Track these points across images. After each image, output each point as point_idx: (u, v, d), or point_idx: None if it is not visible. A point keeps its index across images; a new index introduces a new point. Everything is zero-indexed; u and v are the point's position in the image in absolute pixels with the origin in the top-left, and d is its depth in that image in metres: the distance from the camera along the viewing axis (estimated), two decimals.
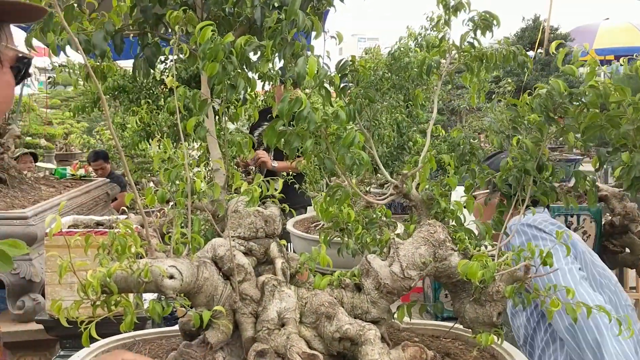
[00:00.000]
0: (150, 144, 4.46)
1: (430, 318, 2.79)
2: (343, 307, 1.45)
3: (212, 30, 1.47)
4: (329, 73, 1.59)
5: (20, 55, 1.15)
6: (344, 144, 1.50)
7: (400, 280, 1.44)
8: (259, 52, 1.60)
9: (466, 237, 1.58)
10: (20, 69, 1.16)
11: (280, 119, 1.49)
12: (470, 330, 1.62)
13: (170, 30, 1.90)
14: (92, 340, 1.34)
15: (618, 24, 12.10)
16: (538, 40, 6.74)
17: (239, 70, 1.53)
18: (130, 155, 5.03)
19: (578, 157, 6.44)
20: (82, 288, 1.21)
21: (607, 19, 12.55)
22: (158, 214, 3.07)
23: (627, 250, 2.76)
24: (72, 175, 4.77)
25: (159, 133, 4.25)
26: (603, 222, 2.77)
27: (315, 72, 1.45)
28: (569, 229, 2.67)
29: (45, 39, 1.78)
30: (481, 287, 1.46)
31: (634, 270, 3.16)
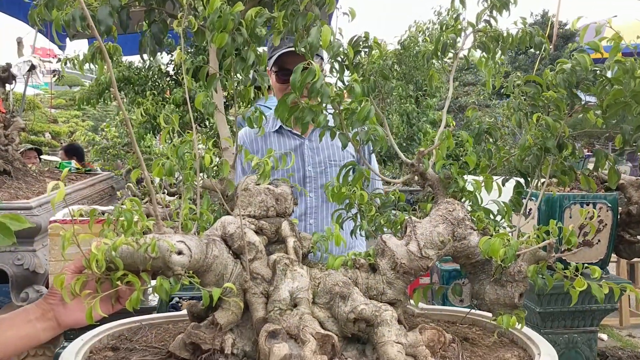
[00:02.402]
0: (155, 137, 4.43)
1: None
2: (357, 288, 1.39)
3: (221, 1, 1.42)
4: (342, 48, 1.53)
5: None
6: (359, 119, 1.45)
7: (418, 260, 1.38)
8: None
9: (486, 217, 1.52)
10: None
11: (291, 93, 1.43)
12: (488, 315, 1.56)
13: (177, 6, 1.85)
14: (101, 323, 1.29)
15: (626, 22, 12.00)
16: (547, 36, 6.67)
17: (249, 43, 1.47)
18: (135, 151, 5.00)
19: (586, 154, 6.37)
20: (87, 263, 1.15)
21: (615, 16, 12.45)
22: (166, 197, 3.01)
23: None
24: (77, 169, 4.73)
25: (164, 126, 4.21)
26: (620, 211, 2.70)
27: (329, 42, 1.39)
28: (584, 218, 2.61)
29: (50, 15, 1.73)
30: (502, 266, 1.40)
31: None
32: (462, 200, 1.56)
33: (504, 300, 1.42)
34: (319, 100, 1.41)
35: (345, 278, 1.38)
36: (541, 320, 2.68)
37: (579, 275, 1.33)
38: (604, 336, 4.98)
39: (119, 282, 1.17)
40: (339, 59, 1.53)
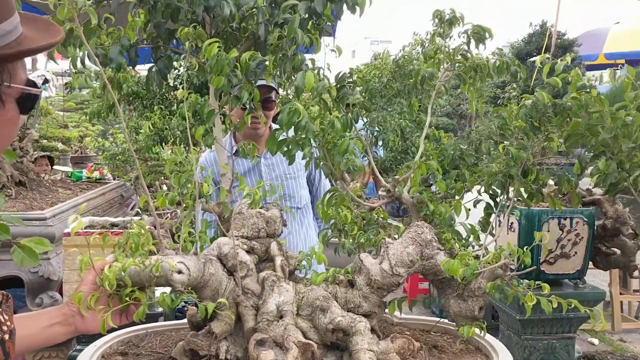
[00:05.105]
0: (163, 148, 4.64)
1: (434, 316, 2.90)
2: (337, 301, 1.58)
3: (218, 47, 1.61)
4: (327, 85, 1.71)
5: (26, 92, 1.13)
6: (340, 151, 1.63)
7: (390, 277, 1.57)
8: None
9: (453, 238, 1.70)
10: (26, 101, 1.14)
11: (280, 129, 1.63)
12: None
13: (181, 44, 2.04)
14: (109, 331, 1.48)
15: (628, 29, 12.12)
16: (545, 46, 6.84)
17: (243, 83, 1.66)
18: (144, 159, 5.20)
19: (572, 163, 6.53)
20: (100, 281, 1.34)
21: (618, 23, 12.58)
22: (170, 215, 3.20)
23: (619, 252, 2.87)
24: (88, 177, 4.94)
25: (172, 137, 4.42)
26: (595, 225, 2.87)
27: (313, 85, 1.58)
28: (562, 232, 2.78)
29: (66, 52, 1.92)
30: (464, 283, 1.58)
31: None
32: (433, 222, 1.74)
33: (466, 312, 1.61)
34: (305, 135, 1.60)
35: (326, 293, 1.57)
36: (522, 327, 2.86)
37: (530, 292, 1.51)
38: (595, 341, 5.13)
39: (127, 298, 1.36)
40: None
